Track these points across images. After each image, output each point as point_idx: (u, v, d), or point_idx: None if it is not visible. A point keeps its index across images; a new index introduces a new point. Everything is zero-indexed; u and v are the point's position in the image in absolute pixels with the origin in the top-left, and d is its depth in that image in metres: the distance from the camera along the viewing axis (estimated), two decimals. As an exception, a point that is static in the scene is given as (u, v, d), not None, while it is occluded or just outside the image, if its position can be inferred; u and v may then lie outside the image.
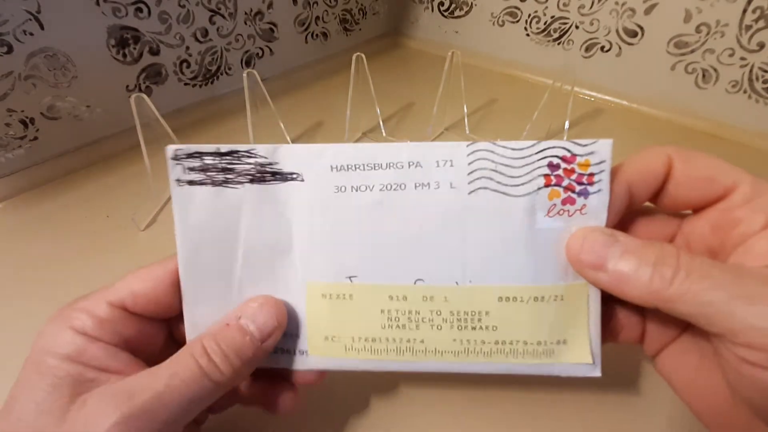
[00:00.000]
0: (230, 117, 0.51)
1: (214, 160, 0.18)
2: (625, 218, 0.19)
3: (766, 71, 0.46)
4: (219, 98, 0.53)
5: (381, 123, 0.47)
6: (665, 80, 0.52)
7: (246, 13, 0.52)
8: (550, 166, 0.18)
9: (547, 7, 0.57)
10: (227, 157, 0.18)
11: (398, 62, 0.68)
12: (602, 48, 0.55)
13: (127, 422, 0.15)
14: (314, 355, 0.19)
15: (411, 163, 0.18)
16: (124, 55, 0.43)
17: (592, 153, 0.18)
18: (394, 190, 0.18)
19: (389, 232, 0.19)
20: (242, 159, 0.18)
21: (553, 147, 0.18)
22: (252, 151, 0.18)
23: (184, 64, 0.48)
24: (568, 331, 0.18)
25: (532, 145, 0.18)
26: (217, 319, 0.18)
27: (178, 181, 0.18)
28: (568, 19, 0.56)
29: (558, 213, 0.18)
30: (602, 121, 0.52)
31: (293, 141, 0.44)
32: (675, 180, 0.17)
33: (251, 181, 0.19)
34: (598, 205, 0.18)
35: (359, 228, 0.19)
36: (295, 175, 0.19)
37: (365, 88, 0.44)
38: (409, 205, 0.18)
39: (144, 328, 0.18)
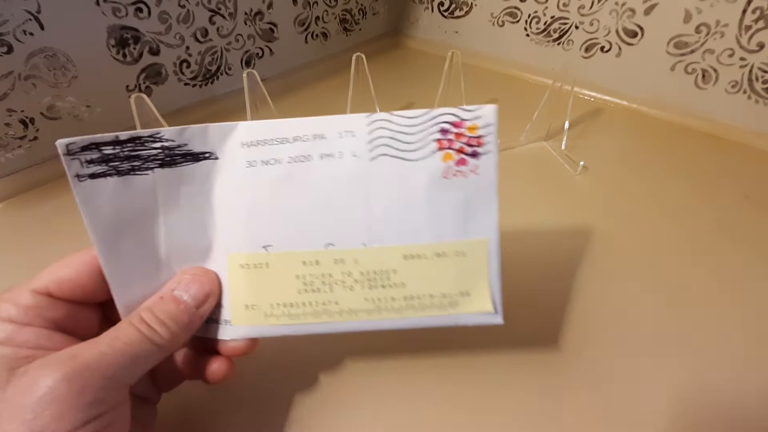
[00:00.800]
0: (230, 117, 0.50)
1: (114, 149, 0.18)
2: None
3: (765, 71, 0.46)
4: (219, 98, 0.53)
5: (381, 123, 0.47)
6: (665, 80, 0.52)
7: (246, 13, 0.52)
8: (442, 131, 0.19)
9: (547, 8, 0.57)
10: (129, 145, 0.18)
11: (398, 62, 0.68)
12: (602, 48, 0.55)
13: (71, 378, 0.15)
14: (237, 324, 0.20)
15: (315, 136, 0.19)
16: (124, 55, 0.43)
17: (478, 117, 0.19)
18: (301, 161, 0.19)
19: (300, 202, 0.20)
20: (147, 144, 0.18)
21: (444, 114, 0.19)
22: (156, 136, 0.19)
23: (184, 64, 0.48)
24: (470, 283, 0.20)
25: (425, 114, 0.19)
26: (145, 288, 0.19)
27: (78, 176, 0.18)
28: (568, 19, 0.56)
29: (454, 174, 0.19)
30: (602, 121, 0.52)
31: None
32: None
33: (161, 165, 0.19)
34: (489, 165, 0.19)
35: (272, 199, 0.20)
36: (207, 154, 0.19)
37: (365, 88, 0.44)
38: (316, 175, 0.19)
39: (74, 311, 0.19)
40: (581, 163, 0.43)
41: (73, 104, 0.41)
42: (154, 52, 0.45)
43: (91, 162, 0.18)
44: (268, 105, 0.42)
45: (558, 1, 0.56)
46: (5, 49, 0.36)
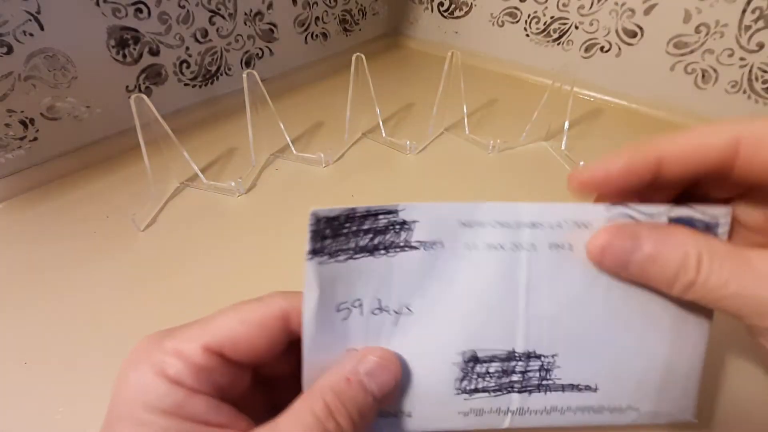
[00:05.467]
0: (230, 117, 0.51)
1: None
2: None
3: (765, 71, 0.46)
4: (219, 99, 0.53)
5: (381, 123, 0.47)
6: (665, 80, 0.52)
7: (246, 14, 0.52)
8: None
9: (546, 8, 0.57)
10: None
11: (398, 62, 0.68)
12: (602, 48, 0.55)
13: None
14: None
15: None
16: (124, 56, 0.43)
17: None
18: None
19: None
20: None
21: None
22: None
23: (184, 65, 0.48)
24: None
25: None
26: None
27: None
28: (567, 19, 0.56)
29: None
30: (602, 122, 0.52)
31: (293, 141, 0.44)
32: (749, 164, 0.15)
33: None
34: None
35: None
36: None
37: (365, 88, 0.44)
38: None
39: (239, 375, 0.16)
40: (581, 163, 0.43)
41: (73, 105, 0.41)
42: (154, 52, 0.45)
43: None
44: (268, 105, 0.42)
45: (558, 1, 0.56)
46: (5, 49, 0.36)
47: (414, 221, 0.17)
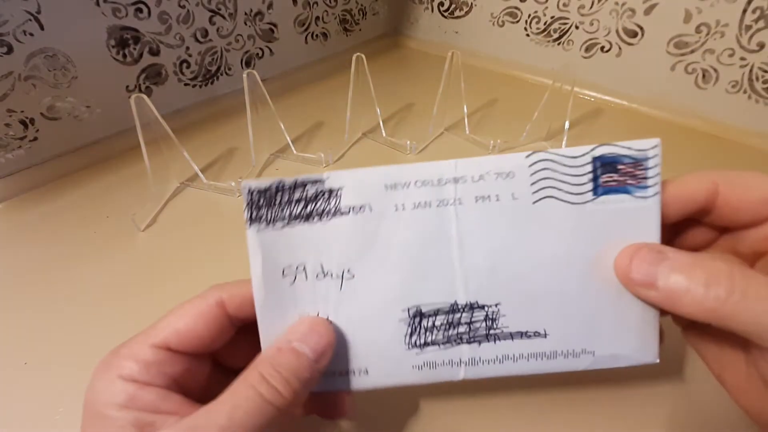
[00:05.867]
0: (230, 117, 0.51)
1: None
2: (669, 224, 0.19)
3: (766, 71, 0.46)
4: (219, 99, 0.53)
5: (381, 123, 0.47)
6: (665, 80, 0.52)
7: (246, 14, 0.52)
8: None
9: (547, 8, 0.57)
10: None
11: (398, 62, 0.68)
12: (602, 48, 0.55)
13: None
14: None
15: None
16: (124, 56, 0.43)
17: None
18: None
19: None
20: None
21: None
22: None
23: (184, 65, 0.48)
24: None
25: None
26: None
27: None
28: (568, 19, 0.56)
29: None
30: (602, 122, 0.52)
31: (293, 141, 0.44)
32: (727, 205, 0.18)
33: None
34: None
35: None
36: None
37: (365, 88, 0.44)
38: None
39: (190, 365, 0.18)
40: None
41: (73, 105, 0.41)
42: (154, 52, 0.45)
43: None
44: (268, 105, 0.41)
45: (558, 1, 0.56)
46: (5, 49, 0.36)
47: (340, 188, 0.18)
